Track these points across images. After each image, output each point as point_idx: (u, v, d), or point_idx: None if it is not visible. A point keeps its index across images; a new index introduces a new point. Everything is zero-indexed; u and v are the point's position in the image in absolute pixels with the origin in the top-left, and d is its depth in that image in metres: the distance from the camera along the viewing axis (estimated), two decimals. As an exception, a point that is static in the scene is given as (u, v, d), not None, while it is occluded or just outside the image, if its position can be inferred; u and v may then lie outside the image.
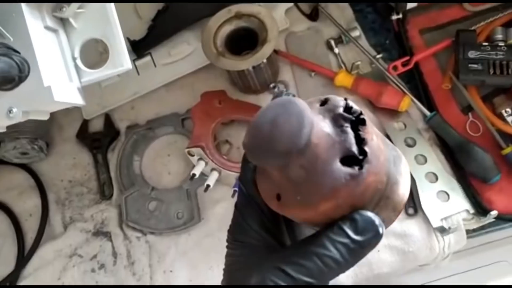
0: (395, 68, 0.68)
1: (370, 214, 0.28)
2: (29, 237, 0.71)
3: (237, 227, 0.33)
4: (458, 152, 0.62)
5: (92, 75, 0.45)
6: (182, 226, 0.67)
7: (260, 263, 0.29)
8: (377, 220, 0.28)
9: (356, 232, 0.27)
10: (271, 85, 0.73)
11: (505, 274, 0.70)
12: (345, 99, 0.29)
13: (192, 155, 0.67)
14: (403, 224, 0.61)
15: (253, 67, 0.65)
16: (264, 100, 0.73)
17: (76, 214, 0.72)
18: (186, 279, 0.64)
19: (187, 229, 0.67)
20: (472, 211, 0.60)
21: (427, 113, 0.64)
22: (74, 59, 0.45)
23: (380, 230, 0.28)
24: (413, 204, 0.62)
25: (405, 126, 0.67)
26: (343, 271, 0.28)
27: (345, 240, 0.27)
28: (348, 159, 0.26)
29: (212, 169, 0.66)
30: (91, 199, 0.73)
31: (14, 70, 0.36)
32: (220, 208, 0.67)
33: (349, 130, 0.27)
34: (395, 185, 0.29)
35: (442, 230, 0.59)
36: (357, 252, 0.28)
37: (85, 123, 0.78)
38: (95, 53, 0.67)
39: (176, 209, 0.68)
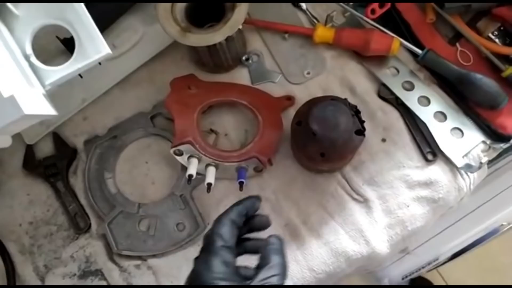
0: (373, 11, 0.62)
1: None
2: (-4, 304, 0.57)
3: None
4: (460, 85, 0.59)
5: (58, 73, 0.33)
6: (187, 239, 0.57)
7: None
8: None
9: None
10: (244, 58, 0.64)
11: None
12: (345, 99, 0.53)
13: (180, 154, 0.57)
14: (425, 172, 0.57)
15: (226, 39, 0.56)
16: (239, 76, 0.64)
17: (51, 259, 0.59)
18: (210, 296, 0.55)
19: (193, 240, 0.57)
20: (488, 141, 0.58)
21: (419, 51, 0.60)
22: (27, 57, 0.32)
23: None
24: (431, 149, 0.58)
25: (398, 71, 0.62)
26: None
27: None
28: (357, 132, 0.51)
29: (207, 165, 0.57)
30: (65, 237, 0.60)
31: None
32: (225, 207, 0.58)
33: (355, 117, 0.51)
34: None
35: (469, 167, 0.56)
36: None
37: (30, 150, 0.63)
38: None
39: (174, 221, 0.58)
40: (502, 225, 0.83)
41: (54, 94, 0.63)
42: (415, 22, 0.63)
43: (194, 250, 0.57)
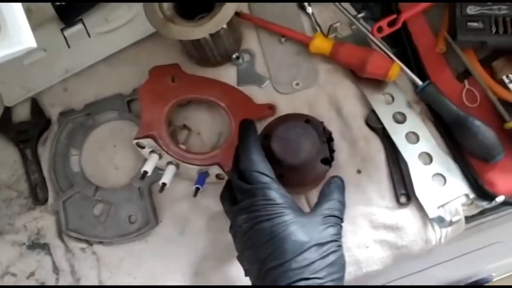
0: (380, 29, 0.57)
1: None
2: None
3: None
4: (455, 128, 0.53)
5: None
6: (136, 232, 0.56)
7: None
8: None
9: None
10: (234, 56, 0.61)
11: (501, 256, 0.65)
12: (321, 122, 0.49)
13: (143, 147, 0.55)
14: (395, 215, 0.53)
15: (211, 35, 0.53)
16: (226, 73, 0.61)
17: (4, 224, 0.59)
18: (145, 295, 0.54)
19: (142, 235, 0.56)
20: (471, 195, 0.52)
21: (419, 82, 0.55)
22: None
23: None
24: (406, 191, 0.53)
25: (393, 98, 0.57)
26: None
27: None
28: (323, 160, 0.47)
29: (168, 163, 0.54)
30: (22, 205, 0.60)
31: None
32: (181, 208, 0.57)
33: (325, 145, 0.48)
34: None
35: (441, 221, 0.51)
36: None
37: (7, 112, 0.63)
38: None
39: (127, 212, 0.57)
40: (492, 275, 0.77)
41: (38, 62, 0.63)
42: (424, 48, 0.58)
43: (140, 245, 0.56)
